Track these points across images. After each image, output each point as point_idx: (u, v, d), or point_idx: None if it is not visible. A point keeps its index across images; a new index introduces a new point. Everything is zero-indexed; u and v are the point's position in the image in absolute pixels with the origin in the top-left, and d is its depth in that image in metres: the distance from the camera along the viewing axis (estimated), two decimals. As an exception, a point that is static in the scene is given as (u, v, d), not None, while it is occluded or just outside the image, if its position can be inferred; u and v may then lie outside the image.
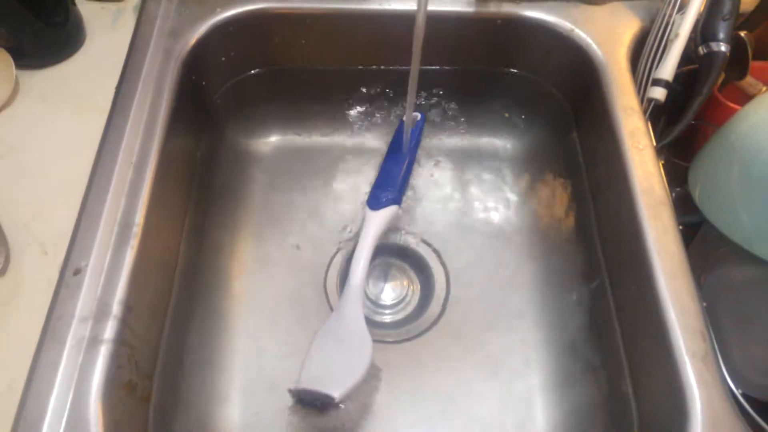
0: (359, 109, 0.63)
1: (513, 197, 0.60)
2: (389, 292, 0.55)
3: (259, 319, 0.52)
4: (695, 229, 0.48)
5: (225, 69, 0.57)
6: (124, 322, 0.38)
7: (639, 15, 0.55)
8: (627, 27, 0.54)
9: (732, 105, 0.50)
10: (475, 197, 0.60)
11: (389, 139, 0.58)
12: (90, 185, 0.42)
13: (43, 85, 0.49)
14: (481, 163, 0.62)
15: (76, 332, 0.37)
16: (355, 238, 0.56)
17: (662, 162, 0.47)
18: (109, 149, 0.44)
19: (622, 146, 0.47)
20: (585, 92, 0.54)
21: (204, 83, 0.55)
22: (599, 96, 0.51)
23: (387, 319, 0.54)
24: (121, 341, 0.38)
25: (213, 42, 0.53)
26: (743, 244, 0.41)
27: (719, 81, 0.51)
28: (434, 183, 0.61)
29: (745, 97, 0.52)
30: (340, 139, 0.63)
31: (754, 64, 0.50)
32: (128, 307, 0.39)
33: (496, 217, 0.59)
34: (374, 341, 0.45)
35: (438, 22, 0.53)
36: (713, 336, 0.40)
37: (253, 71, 0.59)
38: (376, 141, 0.63)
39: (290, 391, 0.44)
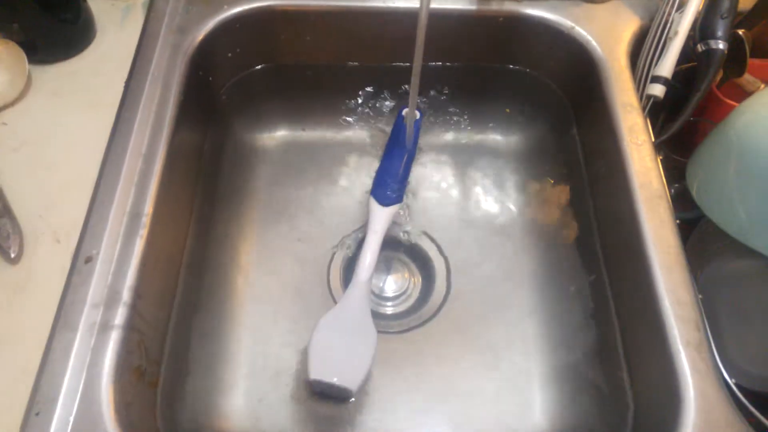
0: (363, 104, 0.64)
1: (513, 191, 0.61)
2: (391, 284, 0.56)
3: (264, 310, 0.53)
4: (693, 225, 0.49)
5: (231, 65, 0.58)
6: (134, 309, 0.39)
7: (639, 13, 0.55)
8: (627, 25, 0.54)
9: (730, 102, 0.51)
10: (475, 191, 0.61)
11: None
12: (100, 176, 0.43)
13: (55, 80, 0.50)
14: (482, 157, 0.63)
15: (87, 318, 0.38)
16: (358, 232, 0.58)
17: (661, 158, 0.48)
18: (119, 142, 0.45)
19: (621, 142, 0.48)
20: (585, 89, 0.55)
21: (211, 78, 0.56)
22: (599, 92, 0.52)
23: (389, 310, 0.55)
24: (131, 327, 0.39)
25: (220, 38, 0.54)
26: (740, 238, 0.42)
27: (718, 78, 0.52)
28: (436, 177, 0.62)
29: (743, 94, 0.52)
30: (345, 134, 0.64)
31: (752, 62, 0.51)
32: (138, 294, 0.40)
33: (496, 210, 0.59)
34: (377, 332, 0.46)
35: (441, 19, 0.54)
36: (708, 327, 0.40)
37: (258, 67, 0.60)
38: (380, 136, 0.63)
39: (307, 381, 0.45)
